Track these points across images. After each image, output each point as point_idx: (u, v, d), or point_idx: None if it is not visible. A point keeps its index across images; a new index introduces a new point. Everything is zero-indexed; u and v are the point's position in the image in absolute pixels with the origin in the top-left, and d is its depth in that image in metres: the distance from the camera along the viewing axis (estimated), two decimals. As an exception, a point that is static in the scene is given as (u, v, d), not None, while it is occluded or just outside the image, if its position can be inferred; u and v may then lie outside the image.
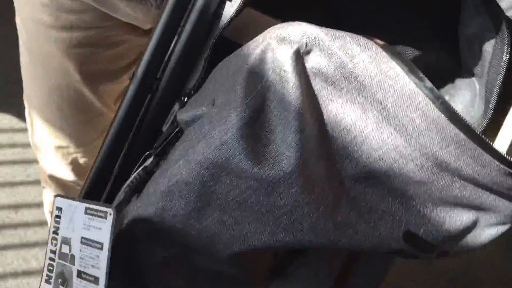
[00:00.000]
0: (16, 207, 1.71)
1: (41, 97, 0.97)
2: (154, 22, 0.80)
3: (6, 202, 1.72)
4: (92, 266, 0.57)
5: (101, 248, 0.57)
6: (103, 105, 0.97)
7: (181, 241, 0.55)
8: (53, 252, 0.62)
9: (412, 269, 1.83)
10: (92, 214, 0.58)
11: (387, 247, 0.56)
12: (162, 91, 0.61)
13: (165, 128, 0.62)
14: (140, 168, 0.59)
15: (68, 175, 1.06)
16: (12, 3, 0.91)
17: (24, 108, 1.90)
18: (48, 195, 1.19)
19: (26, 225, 1.67)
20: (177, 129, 0.58)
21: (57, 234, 0.62)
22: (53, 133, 1.00)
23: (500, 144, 0.58)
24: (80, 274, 0.59)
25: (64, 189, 1.10)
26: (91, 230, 0.58)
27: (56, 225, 0.61)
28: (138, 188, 0.59)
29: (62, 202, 0.62)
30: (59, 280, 0.61)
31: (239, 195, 0.51)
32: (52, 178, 1.09)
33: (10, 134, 1.90)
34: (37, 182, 1.78)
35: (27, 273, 1.56)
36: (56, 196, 0.63)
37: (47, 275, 0.62)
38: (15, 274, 1.55)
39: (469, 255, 1.86)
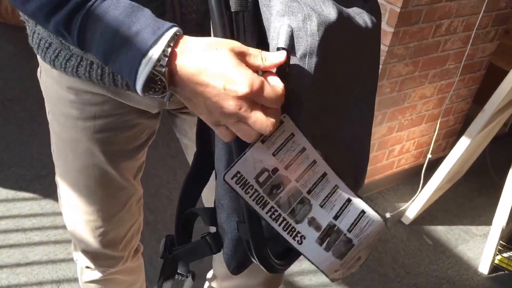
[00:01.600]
0: (58, 282, 1.86)
1: (71, 177, 1.10)
2: (160, 107, 1.00)
3: (49, 278, 1.86)
4: None
5: None
6: (124, 180, 1.11)
7: None
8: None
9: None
10: None
11: None
12: None
13: None
14: None
15: (97, 247, 1.18)
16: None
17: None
18: (81, 267, 1.29)
19: (67, 298, 1.81)
20: None
21: None
22: (83, 208, 1.12)
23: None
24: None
25: (95, 261, 1.22)
26: None
27: None
28: None
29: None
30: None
31: None
32: (85, 252, 1.21)
33: (52, 217, 2.08)
34: (76, 260, 1.94)
35: None
36: None
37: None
38: None
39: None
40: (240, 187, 0.70)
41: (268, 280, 1.18)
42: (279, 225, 0.74)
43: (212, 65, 0.62)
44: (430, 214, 2.42)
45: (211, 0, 0.66)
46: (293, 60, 0.69)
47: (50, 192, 2.17)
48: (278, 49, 0.68)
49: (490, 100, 2.07)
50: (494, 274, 2.21)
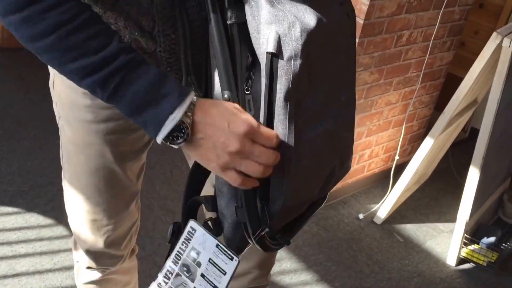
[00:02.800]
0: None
1: (82, 179, 1.17)
2: None
3: None
4: (214, 278, 0.84)
5: (224, 274, 0.84)
6: (129, 180, 1.19)
7: None
8: (181, 252, 0.88)
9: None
10: (221, 250, 0.85)
11: None
12: None
13: None
14: None
15: (101, 246, 1.24)
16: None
17: (48, 207, 2.15)
18: (81, 268, 1.34)
19: (56, 306, 1.86)
20: None
21: (188, 243, 0.88)
22: (90, 208, 1.20)
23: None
24: (203, 276, 0.85)
25: (97, 261, 1.28)
26: (218, 258, 0.85)
27: (187, 238, 0.87)
28: None
29: (197, 227, 0.88)
30: (184, 268, 0.86)
31: None
32: (88, 252, 1.27)
33: (37, 230, 2.13)
34: (63, 269, 1.99)
35: None
36: (191, 220, 0.87)
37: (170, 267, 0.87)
38: None
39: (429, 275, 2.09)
40: None
41: (262, 262, 1.27)
42: None
43: (227, 125, 0.77)
44: (400, 214, 2.56)
45: (210, 14, 0.78)
46: (281, 63, 0.80)
47: (33, 206, 2.22)
48: (267, 53, 0.79)
49: (449, 103, 2.23)
50: (461, 266, 2.34)
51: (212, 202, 0.93)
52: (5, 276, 1.92)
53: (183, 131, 0.77)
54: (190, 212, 1.01)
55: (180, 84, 0.80)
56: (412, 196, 2.64)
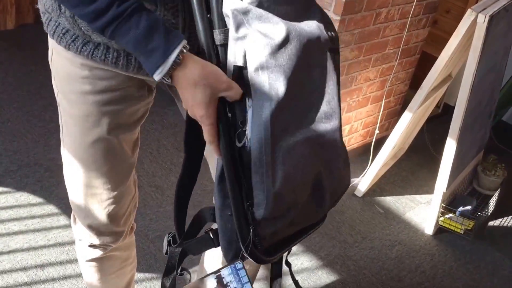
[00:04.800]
0: (42, 266, 1.93)
1: (79, 152, 1.20)
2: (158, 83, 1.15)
3: (33, 263, 1.94)
4: None
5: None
6: (124, 152, 1.23)
7: None
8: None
9: (385, 284, 2.14)
10: None
11: None
12: None
13: None
14: None
15: (103, 220, 1.28)
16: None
17: (37, 186, 2.18)
18: (83, 246, 1.37)
19: (52, 280, 1.89)
20: None
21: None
22: (90, 182, 1.23)
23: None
24: None
25: (99, 237, 1.32)
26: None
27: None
28: None
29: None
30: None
31: None
32: (90, 227, 1.30)
33: (28, 208, 2.15)
34: (57, 245, 2.03)
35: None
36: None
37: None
38: (48, 320, 1.76)
39: (433, 270, 2.20)
40: None
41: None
42: None
43: (193, 95, 0.90)
44: (380, 187, 2.66)
45: (201, 38, 0.91)
46: (250, 74, 0.90)
47: (22, 185, 2.24)
48: (234, 66, 0.90)
49: (426, 79, 2.32)
50: (439, 235, 2.46)
51: (212, 213, 1.03)
52: (1, 253, 1.95)
53: (167, 79, 0.90)
54: (196, 224, 1.09)
55: (167, 36, 0.87)
56: (390, 171, 2.74)
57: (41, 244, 2.01)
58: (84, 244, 1.37)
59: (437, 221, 2.45)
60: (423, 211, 2.56)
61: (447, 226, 2.44)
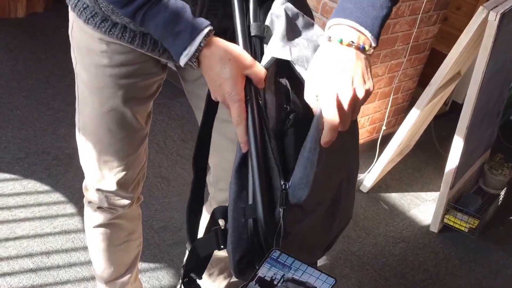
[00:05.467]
0: (47, 253, 1.95)
1: (95, 122, 1.24)
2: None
3: (38, 250, 1.96)
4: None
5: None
6: (138, 124, 1.27)
7: None
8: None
9: (387, 280, 2.14)
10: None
11: None
12: None
13: None
14: None
15: (112, 186, 1.32)
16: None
17: (44, 174, 2.19)
18: (91, 210, 1.41)
19: (57, 267, 1.91)
20: None
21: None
22: (103, 149, 1.28)
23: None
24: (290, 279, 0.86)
25: (108, 199, 1.36)
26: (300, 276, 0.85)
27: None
28: None
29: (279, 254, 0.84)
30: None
31: None
32: (99, 190, 1.35)
33: (35, 195, 2.17)
34: (63, 232, 2.04)
35: (63, 305, 1.79)
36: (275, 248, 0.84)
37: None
38: (53, 307, 1.78)
39: (436, 268, 2.20)
40: None
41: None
42: None
43: (219, 72, 0.90)
44: (385, 183, 2.66)
45: (237, 26, 0.91)
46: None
47: (30, 173, 2.25)
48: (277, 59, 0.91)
49: (434, 76, 2.31)
50: (443, 233, 2.46)
51: (224, 210, 0.96)
52: (7, 239, 1.97)
53: (194, 62, 0.91)
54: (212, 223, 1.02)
55: (194, 20, 0.90)
56: (396, 167, 2.74)
57: (47, 232, 2.03)
58: (92, 207, 1.40)
59: (442, 219, 2.45)
60: (428, 209, 2.56)
61: (451, 224, 2.44)
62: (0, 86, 2.70)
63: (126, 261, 1.56)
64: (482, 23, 2.11)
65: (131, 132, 1.28)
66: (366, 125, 2.70)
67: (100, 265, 1.54)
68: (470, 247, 2.40)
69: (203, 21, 0.90)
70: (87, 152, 1.32)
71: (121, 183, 1.34)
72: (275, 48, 0.89)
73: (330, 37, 0.86)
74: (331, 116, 0.83)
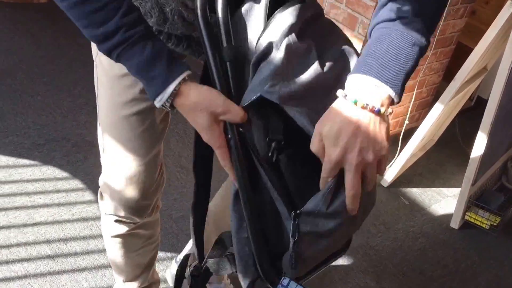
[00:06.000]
0: (65, 240, 1.96)
1: (115, 112, 1.20)
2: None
3: (56, 237, 1.96)
4: None
5: None
6: (155, 114, 1.22)
7: None
8: None
9: (406, 275, 2.11)
10: None
11: None
12: None
13: None
14: None
15: (130, 192, 1.28)
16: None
17: (64, 161, 2.19)
18: (109, 221, 1.38)
19: (75, 254, 1.91)
20: None
21: None
22: (123, 146, 1.23)
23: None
24: None
25: (125, 209, 1.31)
26: None
27: None
28: None
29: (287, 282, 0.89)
30: None
31: None
32: (117, 199, 1.30)
33: (54, 182, 2.17)
34: (81, 219, 2.05)
35: (80, 292, 1.80)
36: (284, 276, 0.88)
37: None
38: (70, 293, 1.78)
39: (456, 264, 2.16)
40: None
41: None
42: None
43: (194, 121, 0.91)
44: (406, 178, 2.62)
45: (208, 55, 0.89)
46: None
47: (49, 159, 2.26)
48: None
49: (460, 71, 2.26)
50: (463, 229, 2.42)
51: (230, 237, 0.98)
52: (25, 225, 1.98)
53: (169, 107, 0.92)
54: (216, 255, 1.07)
55: (169, 66, 0.89)
56: (417, 162, 2.70)
57: (65, 218, 2.04)
58: (110, 219, 1.38)
59: (463, 215, 2.40)
60: (449, 205, 2.52)
61: (472, 220, 2.40)
62: (22, 71, 2.71)
63: (144, 262, 1.54)
64: (510, 18, 2.06)
65: (150, 124, 1.23)
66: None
67: (117, 267, 1.54)
68: (490, 244, 2.36)
69: (178, 68, 0.89)
70: (107, 148, 1.28)
71: (139, 188, 1.29)
72: (261, 87, 0.84)
73: (346, 96, 0.82)
74: (349, 187, 0.81)
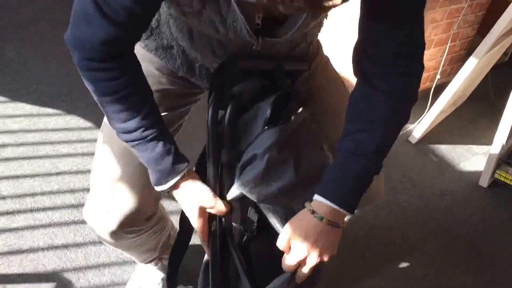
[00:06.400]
0: (89, 190, 1.95)
1: (119, 145, 1.19)
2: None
3: (80, 186, 1.96)
4: None
5: None
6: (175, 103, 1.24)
7: None
8: None
9: (432, 233, 2.08)
10: None
11: None
12: None
13: None
14: None
15: (133, 202, 1.22)
16: None
17: (88, 111, 2.16)
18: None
19: (98, 204, 1.91)
20: None
21: None
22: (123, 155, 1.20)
23: None
24: None
25: (131, 224, 1.26)
26: None
27: None
28: None
29: None
30: None
31: None
32: (121, 215, 1.22)
33: (78, 131, 2.16)
34: (104, 170, 2.03)
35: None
36: None
37: None
38: (93, 243, 1.79)
39: (483, 223, 2.12)
40: None
41: None
42: None
43: (184, 209, 1.08)
44: (435, 134, 2.55)
45: (209, 153, 1.04)
46: None
47: (73, 108, 2.24)
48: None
49: (496, 23, 2.16)
50: (492, 188, 2.36)
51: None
52: (49, 174, 1.98)
53: (166, 194, 1.08)
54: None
55: (174, 164, 1.03)
56: (448, 118, 2.62)
57: (88, 168, 2.03)
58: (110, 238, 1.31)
59: (493, 173, 2.34)
60: (478, 163, 2.45)
61: (502, 179, 2.34)
62: (45, 19, 2.67)
63: (156, 246, 1.51)
64: (556, -34, 1.94)
65: (171, 105, 1.23)
66: (419, 72, 2.57)
67: (127, 254, 1.52)
68: (521, 204, 2.30)
69: (179, 167, 1.03)
70: (105, 170, 1.27)
71: (141, 197, 1.24)
72: (244, 187, 1.03)
73: (313, 212, 1.01)
74: (302, 275, 1.05)
